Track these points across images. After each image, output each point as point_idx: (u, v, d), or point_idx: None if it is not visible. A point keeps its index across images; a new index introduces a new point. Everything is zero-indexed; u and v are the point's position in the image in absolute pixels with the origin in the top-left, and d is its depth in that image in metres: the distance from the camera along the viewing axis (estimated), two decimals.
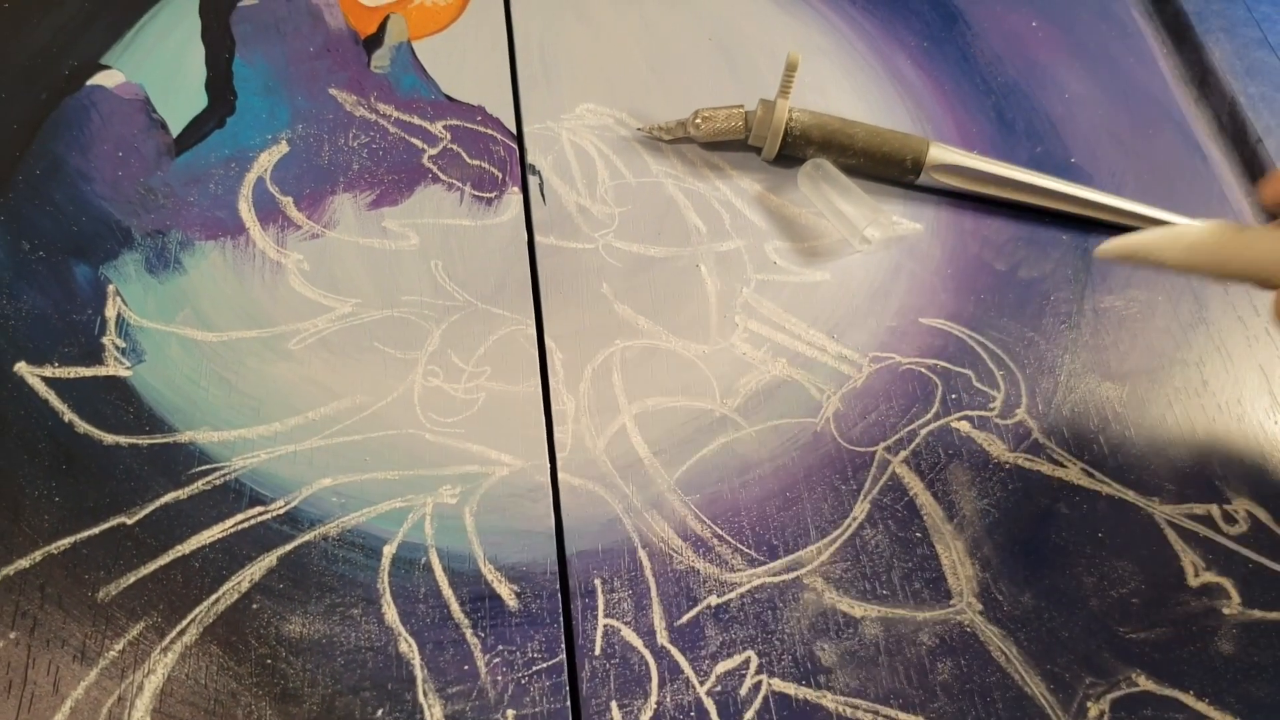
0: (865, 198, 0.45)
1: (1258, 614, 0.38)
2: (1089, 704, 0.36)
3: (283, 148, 0.45)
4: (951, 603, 0.37)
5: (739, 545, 0.38)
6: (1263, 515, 0.40)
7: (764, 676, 0.35)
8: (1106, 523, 0.39)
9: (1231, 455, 0.41)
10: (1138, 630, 0.37)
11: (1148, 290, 0.45)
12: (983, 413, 0.42)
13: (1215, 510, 0.40)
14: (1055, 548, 0.39)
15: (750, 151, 0.48)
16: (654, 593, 0.36)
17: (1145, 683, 0.36)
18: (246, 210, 0.43)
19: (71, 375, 0.39)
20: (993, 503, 0.39)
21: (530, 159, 0.46)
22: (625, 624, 0.36)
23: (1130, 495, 0.40)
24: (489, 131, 0.46)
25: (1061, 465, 0.41)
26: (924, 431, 0.41)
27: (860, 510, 0.39)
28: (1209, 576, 0.39)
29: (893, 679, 0.36)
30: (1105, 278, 0.46)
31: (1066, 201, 0.46)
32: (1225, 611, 0.38)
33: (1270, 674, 0.36)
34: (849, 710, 0.35)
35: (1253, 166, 0.50)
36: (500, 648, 0.35)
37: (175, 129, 0.45)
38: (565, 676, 0.35)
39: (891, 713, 0.35)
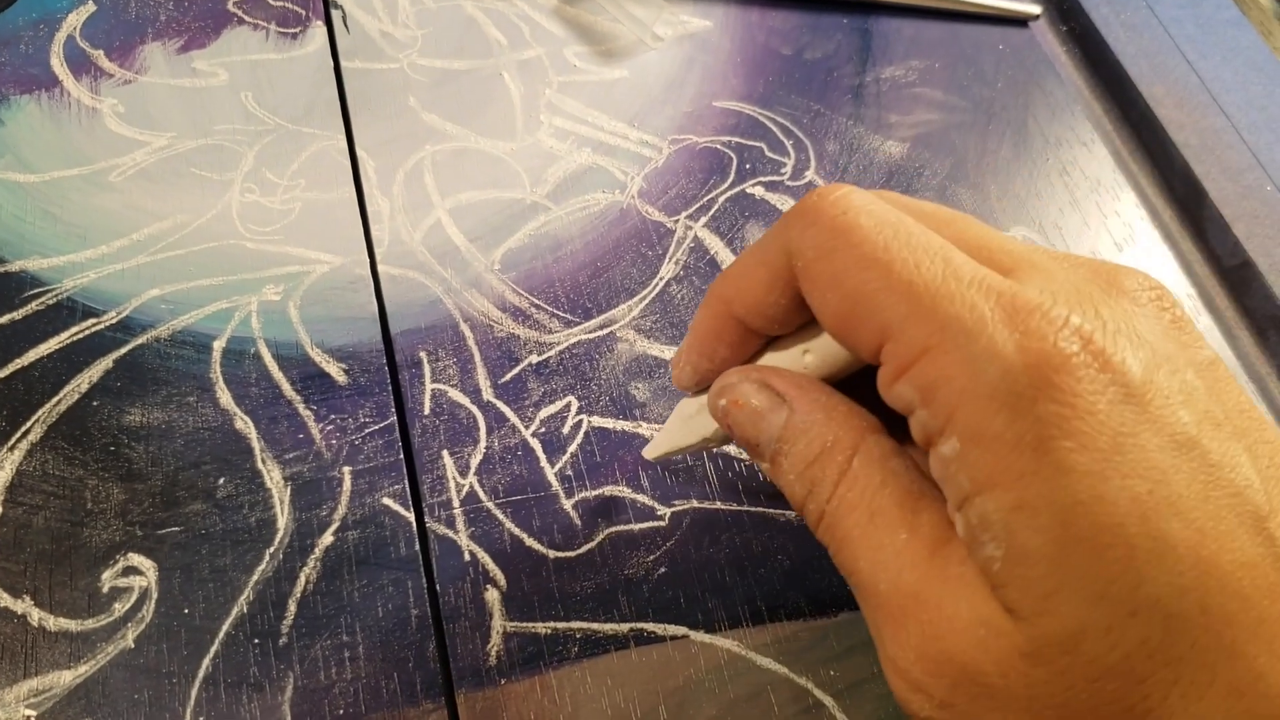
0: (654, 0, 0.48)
1: None
2: None
3: (90, 7, 0.46)
4: None
5: (556, 311, 0.41)
6: (1034, 238, 0.44)
7: (584, 416, 0.38)
8: None
9: (1007, 190, 0.45)
10: None
11: (925, 59, 0.49)
12: (775, 178, 0.45)
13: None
14: None
15: None
16: (478, 359, 0.39)
17: None
18: (59, 65, 0.45)
19: None
20: None
21: None
22: (452, 386, 0.38)
23: None
24: None
25: None
26: (722, 199, 0.44)
27: (667, 271, 0.42)
28: None
29: None
30: (885, 51, 0.49)
31: None
32: None
33: None
34: None
35: None
36: (333, 417, 0.37)
37: None
38: (398, 434, 0.37)
39: None
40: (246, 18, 0.47)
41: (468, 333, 0.40)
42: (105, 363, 0.38)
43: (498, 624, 0.34)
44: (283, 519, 0.35)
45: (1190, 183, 0.46)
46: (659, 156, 0.45)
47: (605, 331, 0.40)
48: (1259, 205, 0.45)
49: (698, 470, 0.37)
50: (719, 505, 0.37)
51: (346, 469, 0.36)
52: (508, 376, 0.39)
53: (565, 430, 0.38)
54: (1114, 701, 0.19)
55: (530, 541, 0.36)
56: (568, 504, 0.36)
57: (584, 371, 0.39)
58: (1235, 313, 0.45)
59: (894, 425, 0.24)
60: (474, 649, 0.34)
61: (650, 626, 0.34)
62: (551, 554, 0.36)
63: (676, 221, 0.43)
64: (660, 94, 0.47)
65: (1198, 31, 0.50)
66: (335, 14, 0.47)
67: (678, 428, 0.32)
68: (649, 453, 0.34)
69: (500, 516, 0.36)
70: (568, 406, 0.39)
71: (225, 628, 0.33)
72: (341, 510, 0.36)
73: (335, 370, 0.38)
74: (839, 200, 0.23)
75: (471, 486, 0.36)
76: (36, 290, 0.39)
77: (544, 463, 0.37)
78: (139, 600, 0.34)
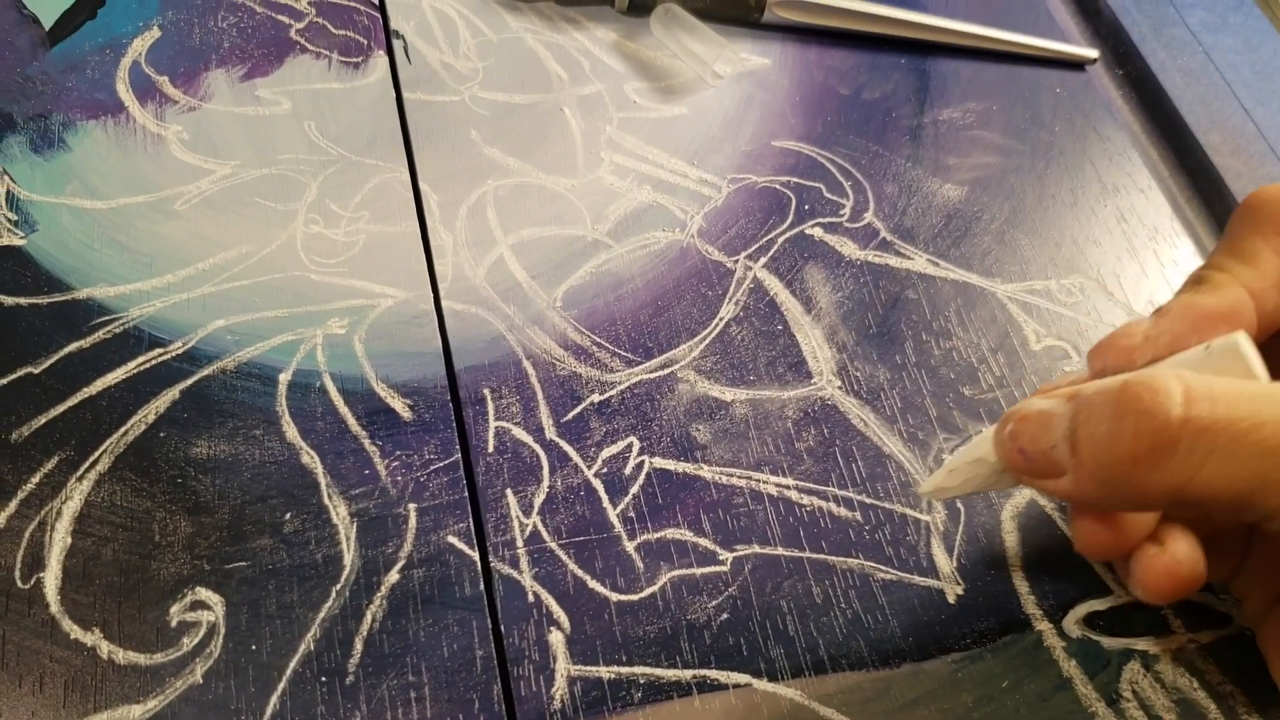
0: (714, 36, 0.48)
1: None
2: (944, 456, 0.39)
3: (155, 33, 0.47)
4: (813, 382, 0.40)
5: (617, 350, 0.41)
6: (1092, 286, 0.44)
7: (646, 457, 0.38)
8: (951, 304, 0.43)
9: (1065, 236, 0.45)
10: (985, 391, 0.41)
11: (982, 101, 0.49)
12: (833, 219, 0.45)
13: (1053, 285, 0.44)
14: (905, 328, 0.42)
15: (603, 4, 0.50)
16: (540, 396, 0.39)
17: None
18: (124, 91, 0.45)
19: None
20: (846, 295, 0.43)
21: (393, 25, 0.48)
22: (515, 424, 0.39)
23: (973, 278, 0.44)
24: (352, 4, 0.49)
25: (908, 258, 0.44)
26: (781, 240, 0.44)
27: (726, 311, 0.42)
28: (1051, 340, 0.42)
29: (762, 448, 0.39)
30: (943, 93, 0.49)
31: (903, 27, 0.50)
32: (1066, 368, 0.42)
33: None
34: (724, 478, 0.38)
35: None
36: (398, 453, 0.38)
37: (48, 23, 0.47)
38: (462, 472, 0.37)
39: (763, 476, 0.38)
40: (309, 46, 0.47)
41: (530, 370, 0.40)
42: (172, 393, 0.38)
43: (561, 667, 0.34)
44: (349, 555, 0.35)
45: None
46: (718, 195, 0.45)
47: (666, 371, 0.40)
48: None
49: (759, 515, 0.37)
50: (780, 551, 0.37)
51: (412, 506, 0.36)
52: (570, 415, 0.39)
53: (627, 471, 0.38)
54: None
55: (593, 583, 0.36)
56: (630, 546, 0.37)
57: (645, 412, 0.39)
58: None
59: None
60: (538, 692, 0.34)
61: (713, 674, 0.34)
62: (614, 597, 0.36)
63: (736, 261, 0.43)
64: (719, 132, 0.47)
65: (1255, 78, 0.50)
66: (397, 44, 0.47)
67: (963, 467, 0.33)
68: (925, 490, 0.35)
69: (564, 557, 0.36)
70: (629, 447, 0.39)
71: (293, 665, 0.33)
72: (407, 548, 0.36)
73: (400, 406, 0.38)
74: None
75: (535, 526, 0.37)
76: (103, 319, 0.39)
77: (606, 504, 0.37)
78: (207, 635, 0.34)
